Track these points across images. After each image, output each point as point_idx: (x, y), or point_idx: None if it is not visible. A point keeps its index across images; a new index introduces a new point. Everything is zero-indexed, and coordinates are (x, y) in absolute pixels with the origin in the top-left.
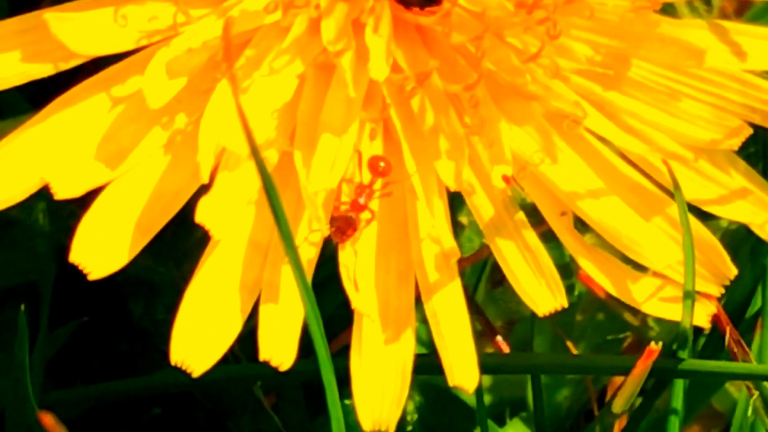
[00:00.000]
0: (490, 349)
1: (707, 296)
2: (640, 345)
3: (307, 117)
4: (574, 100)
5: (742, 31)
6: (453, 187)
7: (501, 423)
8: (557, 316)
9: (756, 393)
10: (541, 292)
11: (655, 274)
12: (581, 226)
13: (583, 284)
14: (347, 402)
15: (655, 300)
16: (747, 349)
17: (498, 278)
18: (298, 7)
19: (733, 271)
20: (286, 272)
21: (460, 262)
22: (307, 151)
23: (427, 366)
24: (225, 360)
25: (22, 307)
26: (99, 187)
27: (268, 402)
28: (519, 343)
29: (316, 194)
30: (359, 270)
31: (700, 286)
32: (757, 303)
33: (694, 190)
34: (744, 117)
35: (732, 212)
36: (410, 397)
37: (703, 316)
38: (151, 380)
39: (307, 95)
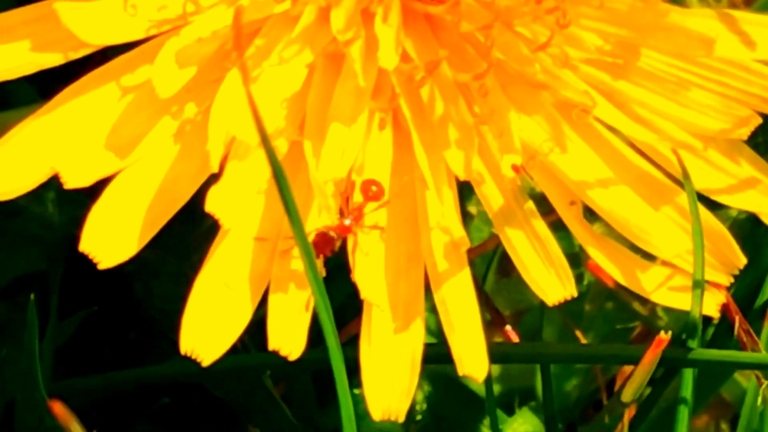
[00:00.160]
0: (499, 339)
1: (716, 285)
2: (648, 334)
3: (316, 106)
4: (584, 90)
5: (751, 20)
6: (462, 177)
7: (510, 412)
8: (566, 306)
9: (765, 382)
10: (550, 282)
11: (664, 264)
12: (590, 215)
13: (592, 274)
14: (356, 391)
15: (664, 289)
16: (756, 338)
17: (507, 268)
18: None
19: (742, 261)
20: (296, 262)
21: (469, 251)
22: (316, 141)
23: (437, 355)
24: (234, 349)
25: (32, 296)
26: (109, 177)
27: (278, 391)
28: (528, 332)
29: (326, 183)
30: (369, 260)
31: (710, 275)
32: (766, 292)
33: (703, 180)
34: (753, 106)
35: (741, 201)
36: (419, 386)
37: (712, 305)
38: (161, 369)
39: (316, 85)
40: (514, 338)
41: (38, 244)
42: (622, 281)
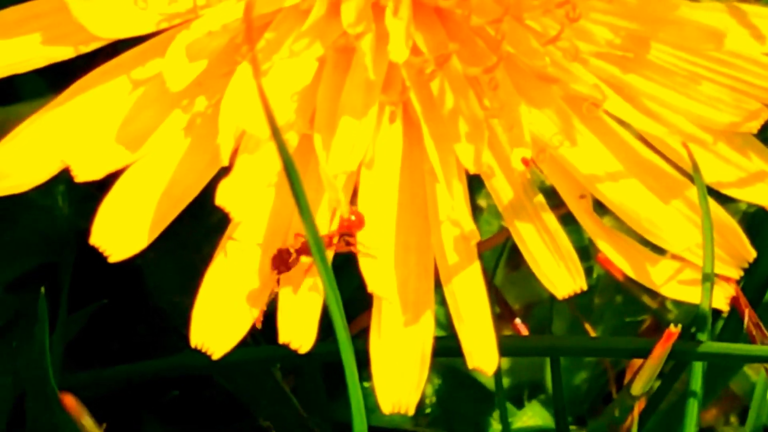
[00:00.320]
0: (508, 332)
1: (726, 279)
2: (658, 328)
3: (326, 100)
4: (594, 83)
5: (761, 14)
6: (473, 170)
7: (519, 405)
8: (576, 299)
9: None
10: (560, 275)
11: (674, 257)
12: (600, 208)
13: (601, 267)
14: (366, 384)
15: (673, 283)
16: (766, 331)
17: (517, 261)
18: None
19: (752, 254)
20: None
21: (479, 245)
22: (326, 134)
23: (446, 348)
24: (244, 342)
25: (42, 289)
26: (119, 170)
27: (287, 384)
28: (537, 325)
29: (336, 177)
30: (378, 253)
31: (719, 268)
32: None
33: (713, 173)
34: (763, 100)
35: (751, 195)
36: (429, 379)
37: (721, 298)
38: (170, 362)
39: (326, 78)
40: (524, 331)
41: (48, 237)
42: (632, 274)
